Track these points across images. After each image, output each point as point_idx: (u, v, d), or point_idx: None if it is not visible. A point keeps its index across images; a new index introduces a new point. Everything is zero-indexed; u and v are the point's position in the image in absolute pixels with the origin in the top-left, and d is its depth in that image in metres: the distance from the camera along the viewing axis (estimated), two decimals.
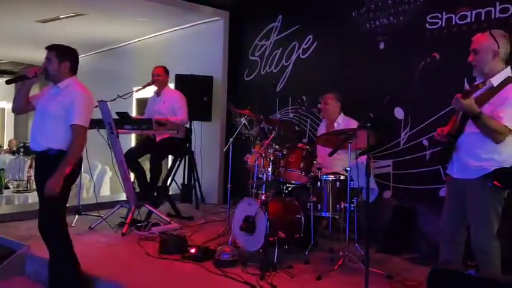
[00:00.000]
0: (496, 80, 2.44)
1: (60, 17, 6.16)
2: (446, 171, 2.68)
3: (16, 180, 6.65)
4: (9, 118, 13.50)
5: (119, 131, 4.17)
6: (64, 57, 2.89)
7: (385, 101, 2.78)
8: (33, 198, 6.12)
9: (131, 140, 7.35)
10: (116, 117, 4.29)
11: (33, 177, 6.52)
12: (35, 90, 3.25)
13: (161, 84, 4.77)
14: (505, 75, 2.45)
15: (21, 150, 6.58)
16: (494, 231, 2.43)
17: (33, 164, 6.94)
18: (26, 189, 6.20)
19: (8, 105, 13.68)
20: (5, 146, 10.66)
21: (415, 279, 3.21)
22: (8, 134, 13.15)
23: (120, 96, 4.44)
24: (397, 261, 3.67)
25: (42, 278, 3.34)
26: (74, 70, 2.95)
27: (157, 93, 4.83)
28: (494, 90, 2.43)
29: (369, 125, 2.56)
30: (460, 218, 2.58)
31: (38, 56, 10.00)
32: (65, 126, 2.82)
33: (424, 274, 3.21)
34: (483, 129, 2.37)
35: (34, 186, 6.32)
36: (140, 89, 4.52)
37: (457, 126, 2.55)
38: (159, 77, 4.72)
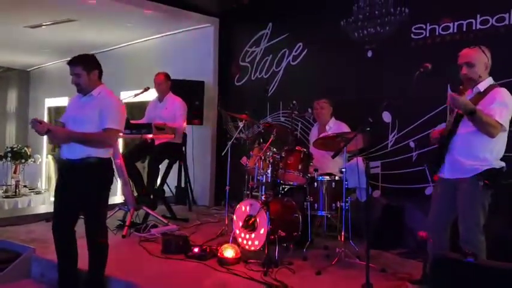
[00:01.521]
0: (482, 86, 2.73)
1: (50, 23, 6.17)
2: (436, 173, 2.90)
3: (3, 185, 6.62)
4: None
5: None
6: (91, 67, 2.94)
7: (382, 106, 3.00)
8: (22, 203, 6.14)
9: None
10: None
11: (21, 182, 6.54)
12: None
13: (163, 91, 4.89)
14: (489, 82, 2.75)
15: (9, 155, 6.54)
16: (481, 227, 2.68)
17: (19, 169, 6.97)
18: (15, 194, 6.20)
19: None
20: None
21: (406, 272, 3.43)
22: None
23: None
24: (388, 256, 3.89)
25: (48, 280, 3.42)
26: (101, 76, 3.03)
27: (160, 99, 4.94)
28: (481, 95, 2.71)
29: (368, 129, 2.77)
30: (447, 217, 2.83)
31: (21, 59, 9.81)
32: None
33: (413, 267, 3.50)
34: (479, 124, 2.60)
35: (23, 191, 6.36)
36: (138, 94, 4.61)
37: (449, 127, 2.78)
38: (161, 85, 4.85)
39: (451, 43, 3.95)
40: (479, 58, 2.70)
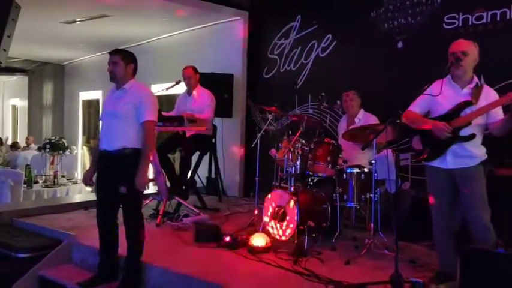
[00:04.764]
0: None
1: (85, 18, 6.37)
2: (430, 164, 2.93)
3: (42, 175, 6.92)
4: (21, 115, 13.75)
5: None
6: (129, 60, 3.10)
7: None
8: (61, 192, 6.41)
9: None
10: None
11: (59, 173, 6.82)
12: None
13: (192, 84, 5.00)
14: (475, 82, 2.84)
15: (48, 146, 6.82)
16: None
17: (56, 160, 7.26)
18: (53, 183, 6.48)
19: (20, 103, 13.93)
20: (23, 143, 10.88)
21: (435, 264, 3.42)
22: (21, 131, 13.40)
23: None
24: (417, 248, 3.88)
25: (88, 266, 3.59)
26: (135, 72, 3.18)
27: (189, 92, 5.05)
28: (479, 88, 2.77)
29: (398, 121, 2.78)
30: (453, 207, 2.91)
31: (56, 54, 10.16)
32: (136, 124, 3.03)
33: None
34: None
35: (61, 181, 6.63)
36: (170, 87, 4.74)
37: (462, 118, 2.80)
38: (190, 79, 4.96)
39: (485, 33, 3.88)
40: (473, 51, 2.78)
